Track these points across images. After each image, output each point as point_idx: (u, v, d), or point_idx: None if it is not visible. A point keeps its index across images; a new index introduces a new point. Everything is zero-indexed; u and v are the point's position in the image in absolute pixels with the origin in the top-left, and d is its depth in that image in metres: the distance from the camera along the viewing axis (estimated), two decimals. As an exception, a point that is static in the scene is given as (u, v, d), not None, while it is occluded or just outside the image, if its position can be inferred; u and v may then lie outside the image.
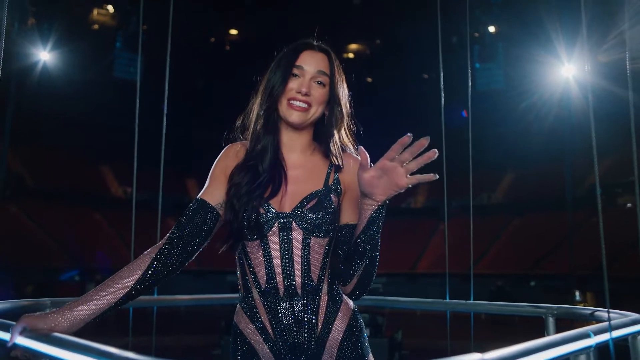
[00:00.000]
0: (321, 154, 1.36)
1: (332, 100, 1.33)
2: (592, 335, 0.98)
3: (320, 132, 1.36)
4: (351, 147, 1.40)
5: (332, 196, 1.29)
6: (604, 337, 1.01)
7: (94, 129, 16.12)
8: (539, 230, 16.01)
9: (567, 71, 13.17)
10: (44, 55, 13.66)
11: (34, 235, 14.62)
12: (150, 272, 1.18)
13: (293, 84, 1.29)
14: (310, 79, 1.29)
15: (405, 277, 17.37)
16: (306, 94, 1.27)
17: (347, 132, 1.39)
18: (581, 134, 13.03)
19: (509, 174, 18.86)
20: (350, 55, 19.81)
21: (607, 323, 1.04)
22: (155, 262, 1.19)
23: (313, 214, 1.26)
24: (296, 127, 1.31)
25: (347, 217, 1.31)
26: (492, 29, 16.92)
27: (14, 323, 1.03)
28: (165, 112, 2.28)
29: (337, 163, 1.33)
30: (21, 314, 1.06)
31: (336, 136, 1.36)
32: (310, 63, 1.30)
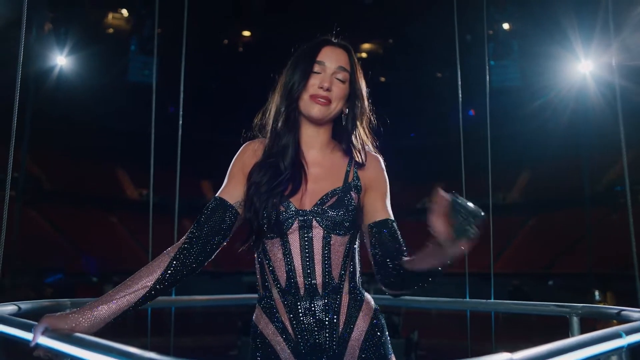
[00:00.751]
0: (340, 151, 1.35)
1: (352, 96, 1.33)
2: (623, 335, 0.95)
3: (339, 130, 1.36)
4: (370, 145, 1.39)
5: (352, 193, 1.28)
6: (636, 337, 0.98)
7: (109, 132, 16.31)
8: (556, 228, 15.80)
9: (584, 67, 12.98)
10: (61, 60, 13.86)
11: (52, 238, 14.84)
12: (169, 271, 1.18)
13: (314, 80, 1.29)
14: (331, 75, 1.29)
15: (420, 277, 17.26)
16: (328, 90, 1.27)
17: (367, 130, 1.39)
18: (598, 131, 12.83)
19: (526, 173, 18.64)
20: (364, 54, 19.76)
21: (638, 322, 1.02)
22: (175, 262, 1.19)
23: (333, 212, 1.25)
24: (317, 123, 1.31)
25: (377, 214, 1.29)
26: (506, 26, 16.75)
27: (35, 323, 1.04)
28: (181, 114, 2.30)
29: (359, 159, 1.33)
30: (43, 314, 1.07)
31: (356, 132, 1.35)
32: (331, 59, 1.30)
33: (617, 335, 0.94)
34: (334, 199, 1.26)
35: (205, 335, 9.38)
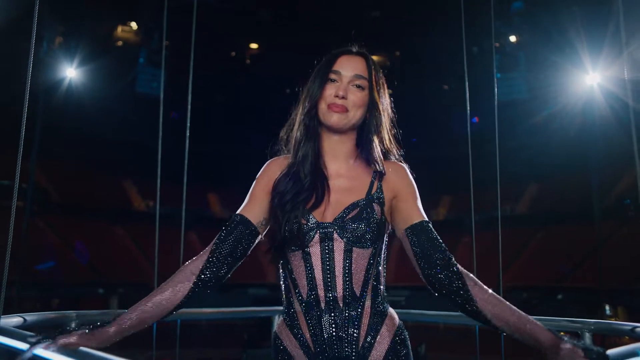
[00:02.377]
0: (364, 161, 1.33)
1: (371, 103, 1.32)
2: None
3: (362, 139, 1.35)
4: (395, 153, 1.38)
5: (374, 206, 1.27)
6: None
7: (117, 144, 16.42)
8: (565, 242, 15.65)
9: (591, 79, 12.94)
10: (71, 72, 14.02)
11: (60, 250, 14.89)
12: (191, 292, 1.18)
13: (331, 90, 1.29)
14: (347, 83, 1.29)
15: (428, 290, 17.15)
16: (343, 97, 1.27)
17: (390, 138, 1.37)
18: (607, 143, 12.76)
19: (533, 185, 18.52)
20: (370, 67, 19.81)
21: None
22: (198, 281, 1.19)
23: (355, 224, 1.23)
24: (336, 131, 1.30)
25: (410, 218, 1.26)
26: (512, 38, 16.78)
27: (32, 334, 1.03)
28: (188, 126, 2.31)
29: (378, 169, 1.31)
30: (48, 326, 1.06)
31: (376, 141, 1.34)
32: (347, 67, 1.31)
33: (633, 354, 0.92)
34: (355, 212, 1.25)
35: (210, 347, 9.34)
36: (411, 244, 1.23)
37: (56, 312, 1.51)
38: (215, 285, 1.22)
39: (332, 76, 1.30)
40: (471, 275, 1.18)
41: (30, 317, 1.40)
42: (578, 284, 14.91)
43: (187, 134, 2.32)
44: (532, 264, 16.03)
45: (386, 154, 1.36)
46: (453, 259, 1.20)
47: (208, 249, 1.23)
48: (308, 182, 1.26)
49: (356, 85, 1.30)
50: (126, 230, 17.10)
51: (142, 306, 1.14)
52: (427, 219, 1.27)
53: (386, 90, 1.38)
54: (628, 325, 1.37)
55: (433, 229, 1.25)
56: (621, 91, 10.53)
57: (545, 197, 17.61)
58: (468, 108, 2.32)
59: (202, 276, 1.19)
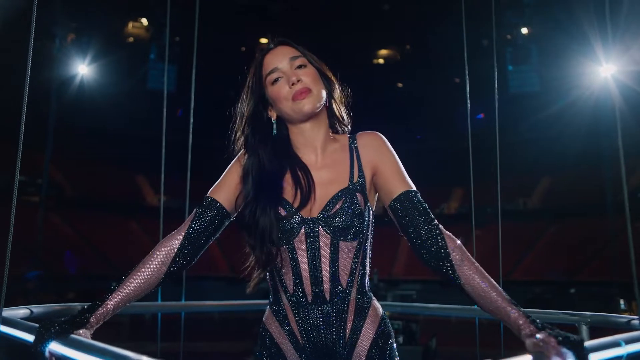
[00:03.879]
0: (339, 142, 1.32)
1: (321, 74, 1.29)
2: (623, 344, 0.93)
3: (332, 114, 1.34)
4: (347, 121, 1.36)
5: (357, 195, 1.24)
6: (636, 346, 0.96)
7: (129, 139, 16.55)
8: (579, 235, 15.52)
9: (605, 70, 12.77)
10: (82, 69, 14.14)
11: (75, 243, 15.08)
12: (174, 267, 1.22)
13: (282, 87, 1.25)
14: (290, 69, 1.25)
15: (438, 284, 17.13)
16: (299, 81, 1.23)
17: (344, 107, 1.36)
18: (621, 136, 12.58)
19: (546, 178, 18.37)
20: (381, 60, 19.75)
21: (639, 332, 1.00)
22: (178, 262, 1.22)
23: (340, 218, 1.22)
24: (310, 117, 1.27)
25: (394, 190, 1.22)
26: (524, 30, 16.58)
27: (36, 325, 1.05)
28: (191, 121, 2.33)
29: (354, 145, 1.29)
30: (54, 318, 1.08)
31: (342, 110, 1.34)
32: (279, 59, 1.27)
33: (616, 344, 0.93)
34: (339, 203, 1.23)
35: (221, 341, 9.42)
36: (396, 216, 1.20)
37: (62, 304, 1.55)
38: (188, 267, 1.25)
39: (273, 76, 1.26)
40: (460, 245, 1.14)
41: (37, 309, 1.44)
42: (591, 278, 14.78)
43: (191, 129, 2.35)
44: (545, 257, 15.93)
45: (342, 120, 1.36)
46: (440, 228, 1.16)
47: (182, 232, 1.23)
48: (290, 176, 1.26)
49: (298, 66, 1.26)
50: (139, 224, 17.27)
51: (123, 291, 1.16)
52: (413, 187, 1.22)
53: (320, 60, 1.32)
54: (624, 317, 1.38)
55: (418, 197, 1.20)
56: (636, 83, 10.38)
57: (558, 190, 17.46)
58: (468, 102, 2.31)
59: (177, 259, 1.21)
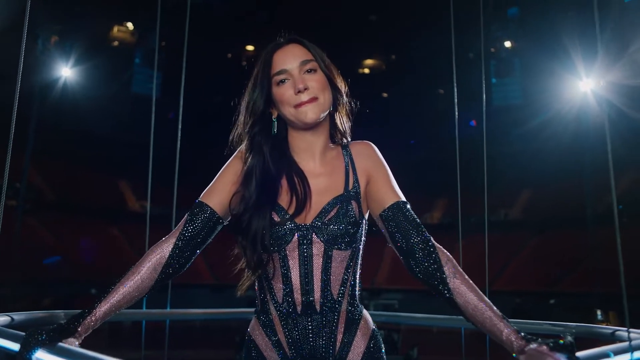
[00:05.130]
0: (334, 150, 1.29)
1: (330, 82, 1.25)
2: (611, 355, 0.94)
3: (334, 124, 1.31)
4: (348, 132, 1.33)
5: (352, 203, 1.22)
6: (624, 358, 0.97)
7: (112, 144, 16.37)
8: (559, 247, 15.72)
9: (585, 85, 13.03)
10: (66, 72, 13.97)
11: (53, 248, 14.80)
12: (156, 284, 1.19)
13: (288, 90, 1.21)
14: (299, 73, 1.21)
15: (421, 294, 17.19)
16: (306, 89, 1.19)
17: (347, 117, 1.33)
18: (601, 149, 12.82)
19: (528, 190, 18.61)
20: (366, 70, 19.89)
21: (627, 343, 1.00)
22: (170, 268, 1.19)
23: (334, 225, 1.19)
24: (312, 127, 1.24)
25: (385, 200, 1.20)
26: (508, 44, 16.87)
27: (23, 334, 1.03)
28: (179, 128, 2.30)
29: (348, 153, 1.27)
30: (36, 326, 1.06)
31: (344, 120, 1.31)
32: (289, 60, 1.23)
33: (604, 355, 0.93)
34: (334, 211, 1.20)
35: (204, 349, 9.31)
36: (386, 226, 1.18)
37: (44, 311, 1.50)
38: (179, 273, 1.21)
39: (280, 77, 1.21)
40: (451, 258, 1.13)
41: (18, 316, 1.38)
42: (570, 289, 14.97)
43: (179, 135, 2.32)
44: (526, 268, 16.10)
45: (344, 132, 1.33)
46: (432, 240, 1.15)
47: (173, 238, 1.20)
48: (286, 180, 1.22)
49: (307, 70, 1.21)
50: (120, 231, 17.04)
51: (113, 297, 1.13)
52: (403, 199, 1.21)
53: (333, 65, 1.28)
54: (609, 329, 1.39)
55: (409, 209, 1.19)
56: (615, 97, 10.61)
57: (539, 202, 17.70)
58: (456, 113, 2.33)
59: (169, 265, 1.18)
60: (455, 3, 2.46)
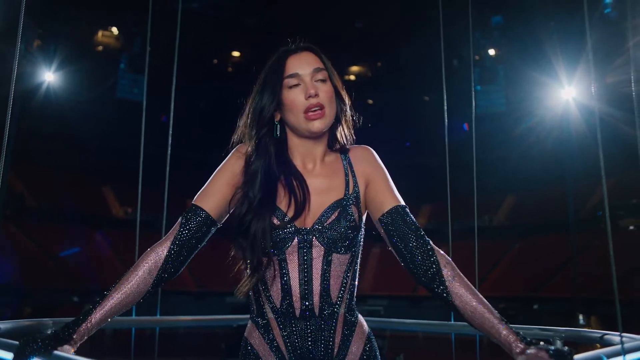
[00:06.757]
0: (333, 154, 1.30)
1: (337, 93, 1.27)
2: (604, 358, 0.95)
3: (334, 132, 1.32)
4: (349, 139, 1.34)
5: (352, 207, 1.22)
6: None
7: (96, 149, 16.19)
8: (542, 252, 15.90)
9: (567, 93, 13.25)
10: (49, 76, 13.80)
11: (34, 255, 14.55)
12: (162, 275, 1.17)
13: (298, 95, 1.21)
14: (311, 80, 1.22)
15: (406, 300, 17.23)
16: (316, 95, 1.20)
17: (349, 126, 1.34)
18: (582, 156, 13.02)
19: (511, 196, 18.81)
20: (352, 77, 19.99)
21: (619, 346, 1.02)
22: (165, 272, 1.18)
23: (335, 229, 1.19)
24: (316, 136, 1.25)
25: (384, 204, 1.21)
26: (492, 52, 17.11)
27: (16, 342, 1.00)
28: (170, 133, 2.29)
29: (347, 158, 1.28)
30: (23, 334, 1.04)
31: (345, 128, 1.32)
32: (303, 65, 1.23)
33: (597, 359, 0.95)
34: (335, 214, 1.20)
35: (188, 356, 9.21)
36: (386, 231, 1.19)
37: (31, 319, 1.47)
38: (174, 277, 1.20)
39: (293, 81, 1.22)
40: (451, 261, 1.15)
41: (4, 324, 1.35)
42: (553, 294, 15.14)
43: (169, 141, 2.30)
44: (510, 273, 16.24)
45: (345, 141, 1.34)
46: (431, 244, 1.17)
47: (168, 241, 1.18)
48: (288, 192, 1.21)
49: (319, 79, 1.23)
50: (104, 237, 16.81)
51: (108, 303, 1.11)
52: (402, 203, 1.23)
53: (338, 77, 1.30)
54: (598, 332, 1.41)
55: (408, 212, 1.21)
56: (595, 104, 10.79)
57: (522, 208, 17.89)
58: (446, 120, 2.36)
59: (165, 269, 1.16)
60: (441, 11, 2.49)
